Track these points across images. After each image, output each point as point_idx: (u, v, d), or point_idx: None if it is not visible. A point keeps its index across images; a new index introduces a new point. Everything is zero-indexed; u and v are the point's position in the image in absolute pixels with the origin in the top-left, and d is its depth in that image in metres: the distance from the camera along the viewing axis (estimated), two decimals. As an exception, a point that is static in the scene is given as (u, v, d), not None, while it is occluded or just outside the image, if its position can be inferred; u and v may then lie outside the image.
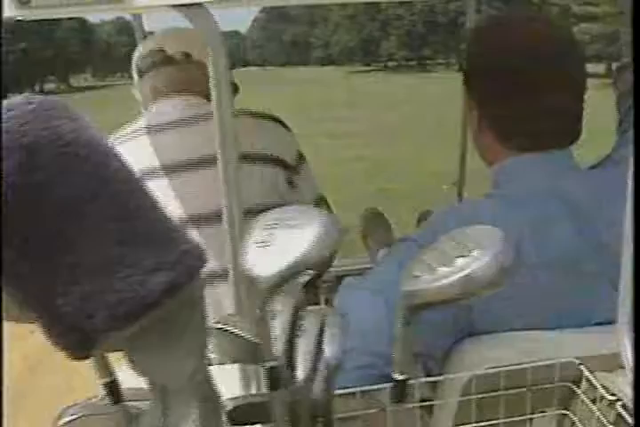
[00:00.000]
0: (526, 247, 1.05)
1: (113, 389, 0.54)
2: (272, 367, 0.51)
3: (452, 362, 1.11)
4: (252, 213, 1.35)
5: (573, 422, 1.03)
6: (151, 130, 1.47)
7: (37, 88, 62.44)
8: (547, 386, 1.01)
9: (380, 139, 12.29)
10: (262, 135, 1.49)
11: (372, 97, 23.46)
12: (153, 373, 0.48)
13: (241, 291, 0.79)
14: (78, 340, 0.44)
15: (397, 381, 0.54)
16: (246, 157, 1.37)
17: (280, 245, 0.49)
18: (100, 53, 70.88)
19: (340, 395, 0.59)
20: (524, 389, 1.01)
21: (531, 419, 1.06)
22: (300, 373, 0.56)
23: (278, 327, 0.56)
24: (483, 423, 1.02)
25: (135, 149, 1.46)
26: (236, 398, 0.64)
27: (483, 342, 1.09)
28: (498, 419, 1.02)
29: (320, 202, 1.68)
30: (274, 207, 1.40)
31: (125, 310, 0.43)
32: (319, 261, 0.49)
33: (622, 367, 0.94)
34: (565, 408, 1.05)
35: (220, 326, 0.62)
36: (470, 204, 1.15)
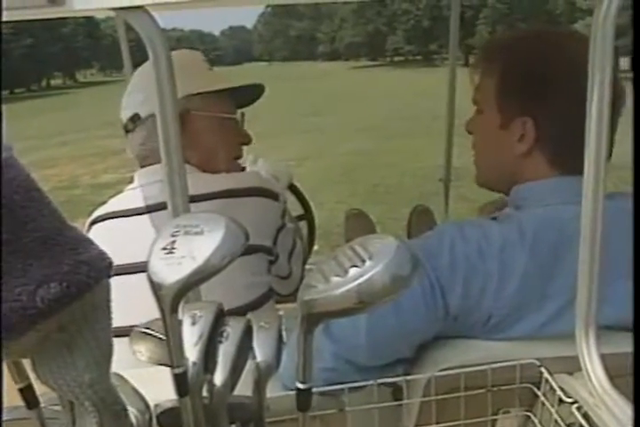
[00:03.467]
0: (531, 281, 1.03)
1: (28, 394, 0.54)
2: (179, 374, 0.51)
3: (418, 364, 1.11)
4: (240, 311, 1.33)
5: (536, 424, 1.03)
6: None
7: (44, 84, 62.60)
8: (508, 387, 1.01)
9: (378, 134, 12.27)
10: (241, 222, 1.39)
11: (374, 92, 23.39)
12: (52, 382, 0.48)
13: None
14: None
15: (300, 390, 0.53)
16: None
17: (184, 251, 0.49)
18: (106, 49, 70.87)
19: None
20: (484, 390, 1.00)
21: (494, 420, 1.06)
22: (219, 377, 0.55)
23: (197, 333, 0.55)
24: (446, 424, 1.02)
25: None
26: (164, 402, 0.64)
27: (449, 346, 1.08)
28: (460, 420, 1.02)
29: (293, 250, 1.58)
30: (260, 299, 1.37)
31: (14, 320, 0.42)
32: (223, 266, 0.49)
33: (580, 370, 0.94)
34: (528, 409, 1.05)
35: (146, 330, 0.61)
36: (480, 227, 1.08)
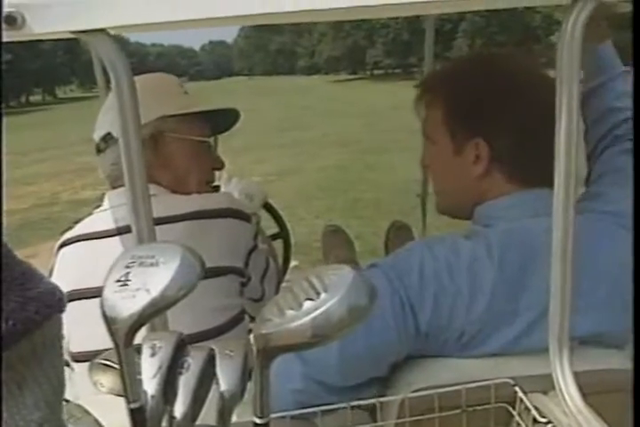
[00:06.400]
0: (501, 296, 1.03)
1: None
2: (135, 409, 0.49)
3: (392, 385, 1.10)
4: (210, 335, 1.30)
5: (511, 443, 1.02)
6: None
7: (23, 100, 62.25)
8: (483, 407, 1.00)
9: (357, 148, 12.28)
10: (212, 244, 1.36)
11: (353, 106, 23.39)
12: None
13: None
14: None
15: (257, 424, 0.52)
16: None
17: (139, 283, 0.48)
18: (85, 64, 70.54)
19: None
20: (459, 410, 0.99)
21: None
22: (179, 409, 0.54)
23: (156, 364, 0.54)
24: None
25: None
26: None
27: (421, 365, 1.08)
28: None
29: (266, 272, 1.56)
30: (232, 322, 1.35)
31: None
32: (179, 299, 0.48)
33: (554, 389, 0.94)
34: (504, 429, 1.04)
35: (104, 361, 0.60)
36: (449, 244, 1.08)
